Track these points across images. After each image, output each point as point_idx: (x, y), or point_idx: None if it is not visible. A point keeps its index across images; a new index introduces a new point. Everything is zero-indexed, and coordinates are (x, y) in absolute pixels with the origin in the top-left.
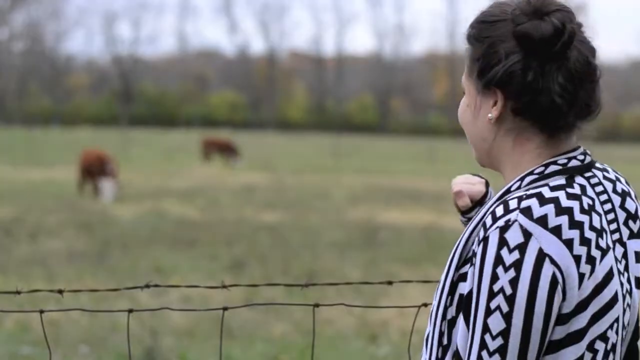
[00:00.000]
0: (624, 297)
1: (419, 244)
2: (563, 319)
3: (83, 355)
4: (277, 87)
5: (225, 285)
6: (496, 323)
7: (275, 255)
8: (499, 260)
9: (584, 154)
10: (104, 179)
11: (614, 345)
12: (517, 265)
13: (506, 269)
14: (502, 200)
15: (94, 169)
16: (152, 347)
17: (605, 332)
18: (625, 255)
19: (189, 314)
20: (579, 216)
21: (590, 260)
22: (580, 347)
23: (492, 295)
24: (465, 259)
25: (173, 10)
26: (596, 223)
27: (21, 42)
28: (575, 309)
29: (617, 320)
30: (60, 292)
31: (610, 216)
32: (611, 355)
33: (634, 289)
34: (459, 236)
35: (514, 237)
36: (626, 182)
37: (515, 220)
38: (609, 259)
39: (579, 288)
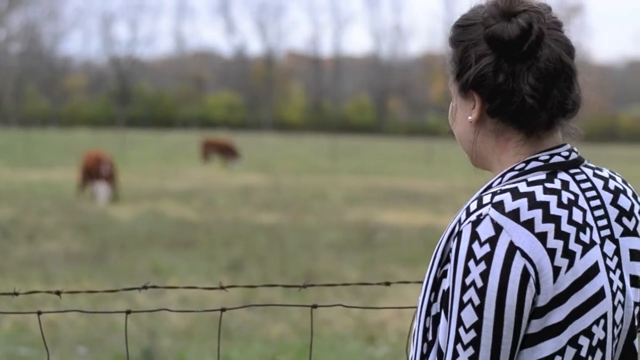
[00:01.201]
0: (614, 294)
1: (417, 244)
2: (539, 313)
3: (81, 356)
4: (275, 87)
5: (223, 287)
6: (469, 316)
7: (273, 256)
8: (470, 253)
9: (570, 151)
10: (97, 181)
11: (601, 342)
12: (488, 258)
13: (477, 262)
14: (478, 196)
15: (92, 171)
16: (150, 348)
17: (590, 327)
18: (617, 253)
19: (186, 315)
20: (555, 210)
21: (568, 254)
22: (559, 341)
23: (464, 288)
24: (448, 256)
25: (170, 11)
26: (577, 217)
27: (18, 44)
28: (551, 303)
29: (604, 316)
30: (58, 293)
31: (599, 212)
32: (599, 352)
33: (629, 287)
34: None
35: (485, 230)
36: (623, 182)
37: (487, 215)
38: (593, 254)
39: (554, 282)
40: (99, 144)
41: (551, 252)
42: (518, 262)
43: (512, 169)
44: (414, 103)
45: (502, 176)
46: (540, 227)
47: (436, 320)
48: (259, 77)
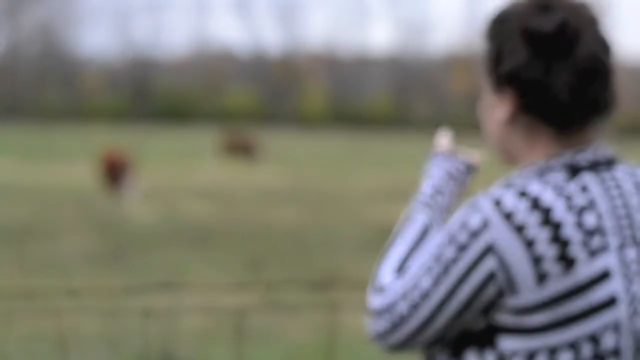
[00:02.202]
0: (632, 302)
1: None
2: (516, 311)
3: (99, 356)
4: (295, 84)
5: (244, 285)
6: (425, 283)
7: (294, 256)
8: (451, 235)
9: (598, 150)
10: (124, 180)
11: (613, 351)
12: (461, 248)
13: (451, 245)
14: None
15: (116, 170)
16: (169, 349)
17: (596, 334)
18: None
19: (206, 315)
20: (559, 214)
21: (565, 259)
22: (543, 340)
23: (433, 257)
24: None
25: (189, 9)
26: (588, 222)
27: (36, 41)
28: (539, 305)
29: (616, 325)
30: (76, 292)
31: (622, 216)
32: None
33: None
34: None
35: (473, 222)
36: None
37: (482, 207)
38: (603, 260)
39: (540, 286)
40: (117, 141)
41: (537, 259)
42: (487, 264)
43: (532, 166)
44: (436, 99)
45: (522, 172)
46: (531, 232)
47: None
48: (279, 74)
